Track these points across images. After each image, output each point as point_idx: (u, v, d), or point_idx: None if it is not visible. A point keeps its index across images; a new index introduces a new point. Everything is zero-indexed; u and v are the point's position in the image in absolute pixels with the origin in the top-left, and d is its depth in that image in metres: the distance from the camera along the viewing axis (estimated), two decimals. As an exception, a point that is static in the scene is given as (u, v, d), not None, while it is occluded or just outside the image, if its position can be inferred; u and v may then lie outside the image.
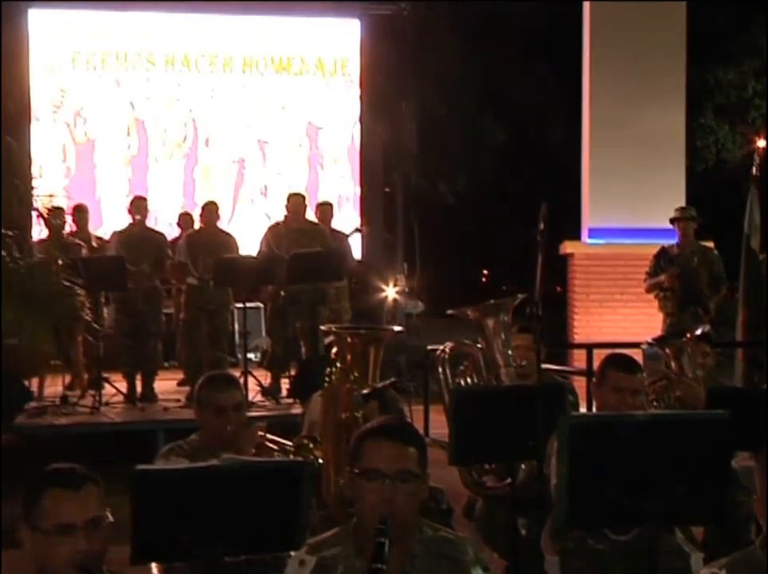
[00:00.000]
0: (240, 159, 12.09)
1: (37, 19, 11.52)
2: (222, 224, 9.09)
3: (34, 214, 8.72)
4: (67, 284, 8.02)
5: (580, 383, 6.94)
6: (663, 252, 8.66)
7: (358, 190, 12.28)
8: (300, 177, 12.17)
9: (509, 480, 4.00)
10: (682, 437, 2.63)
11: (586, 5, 10.73)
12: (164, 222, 11.52)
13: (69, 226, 8.75)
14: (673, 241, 8.70)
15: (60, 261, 8.03)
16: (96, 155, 11.82)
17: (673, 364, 4.92)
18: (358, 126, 12.25)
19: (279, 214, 9.02)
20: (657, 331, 8.19)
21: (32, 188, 8.77)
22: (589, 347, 8.21)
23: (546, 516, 3.23)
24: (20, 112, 11.05)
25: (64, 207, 8.76)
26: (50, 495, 2.46)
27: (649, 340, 5.57)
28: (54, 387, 8.22)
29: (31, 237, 9.61)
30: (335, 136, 12.29)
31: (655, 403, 4.69)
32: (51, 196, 8.53)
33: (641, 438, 2.62)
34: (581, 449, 2.58)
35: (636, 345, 6.10)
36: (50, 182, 10.23)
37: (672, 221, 8.69)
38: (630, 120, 10.37)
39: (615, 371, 3.83)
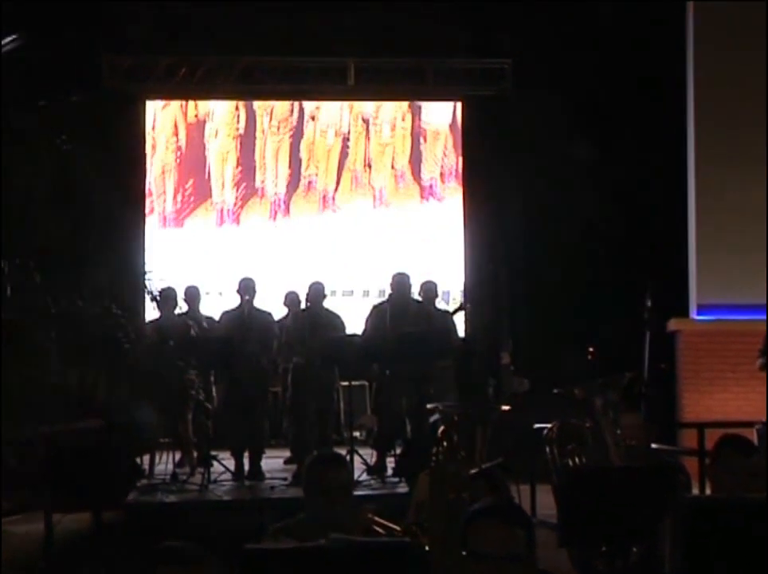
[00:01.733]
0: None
1: (151, 111, 11.99)
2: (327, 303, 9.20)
3: (147, 296, 8.99)
4: (178, 363, 8.24)
5: (691, 464, 6.75)
6: (775, 328, 8.43)
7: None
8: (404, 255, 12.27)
9: (621, 563, 3.91)
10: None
11: (690, 83, 10.71)
12: (271, 301, 11.73)
13: (179, 307, 8.96)
14: (786, 317, 8.48)
15: (171, 342, 8.25)
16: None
17: (790, 445, 4.77)
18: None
19: (383, 293, 9.10)
20: (772, 410, 7.95)
21: (145, 273, 9.11)
22: (701, 427, 7.99)
23: (660, 601, 3.14)
24: (138, 201, 11.48)
25: (176, 288, 8.99)
26: (163, 572, 2.50)
27: (764, 420, 5.42)
28: (164, 464, 8.36)
29: (144, 318, 9.89)
30: (440, 214, 12.40)
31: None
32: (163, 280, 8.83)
33: (759, 520, 2.54)
34: (698, 531, 2.52)
35: (749, 424, 5.94)
36: (164, 266, 10.54)
37: (784, 296, 8.48)
38: (737, 194, 10.22)
39: (730, 452, 3.75)
